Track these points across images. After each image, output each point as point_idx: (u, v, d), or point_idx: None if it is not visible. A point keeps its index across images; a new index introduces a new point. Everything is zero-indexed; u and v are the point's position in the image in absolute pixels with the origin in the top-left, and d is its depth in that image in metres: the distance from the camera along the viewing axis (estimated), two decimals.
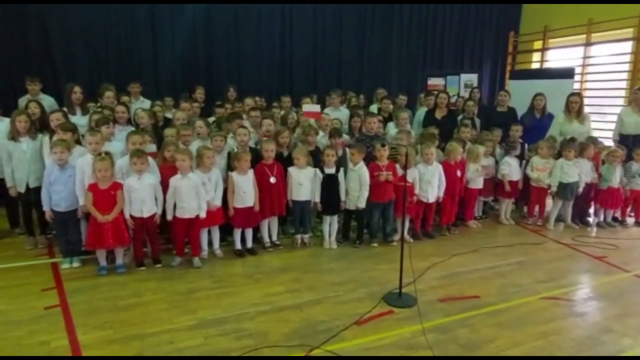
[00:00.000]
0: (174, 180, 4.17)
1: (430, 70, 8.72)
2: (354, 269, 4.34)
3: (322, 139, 5.42)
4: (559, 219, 5.88)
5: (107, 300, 3.59)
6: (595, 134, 6.57)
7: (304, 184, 4.76)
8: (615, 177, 5.76)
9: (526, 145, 6.14)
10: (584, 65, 8.47)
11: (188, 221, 4.24)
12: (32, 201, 4.54)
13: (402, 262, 3.72)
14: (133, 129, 4.85)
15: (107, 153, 4.05)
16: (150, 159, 4.28)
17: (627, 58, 7.83)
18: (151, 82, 7.06)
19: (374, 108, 7.03)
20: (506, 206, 6.00)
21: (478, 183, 5.60)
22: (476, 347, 3.05)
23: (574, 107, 6.02)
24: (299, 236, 4.94)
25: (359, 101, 7.33)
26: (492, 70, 9.71)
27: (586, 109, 6.41)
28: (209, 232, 4.57)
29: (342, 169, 4.85)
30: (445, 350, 2.98)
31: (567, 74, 7.72)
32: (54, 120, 4.61)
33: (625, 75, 7.89)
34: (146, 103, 6.14)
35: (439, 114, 6.25)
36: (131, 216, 4.10)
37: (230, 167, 4.65)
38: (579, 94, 6.28)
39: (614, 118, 6.59)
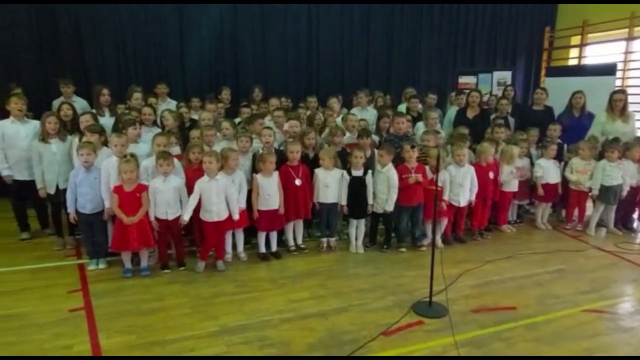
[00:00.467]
0: (201, 183, 4.10)
1: (462, 68, 8.44)
2: (381, 275, 4.18)
3: (348, 140, 5.28)
4: (601, 224, 5.54)
5: (131, 304, 3.56)
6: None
7: (330, 186, 4.63)
8: None
9: (565, 146, 5.82)
10: (626, 62, 8.00)
11: (217, 224, 4.17)
12: (62, 202, 4.57)
13: (433, 269, 3.54)
14: (159, 130, 4.84)
15: (132, 155, 4.03)
16: (176, 161, 4.25)
17: None
18: (178, 84, 7.10)
19: (402, 108, 6.83)
20: (543, 210, 5.70)
21: (513, 186, 5.34)
22: None
23: (619, 105, 5.66)
24: (325, 240, 4.81)
25: (387, 101, 7.14)
26: (526, 68, 9.30)
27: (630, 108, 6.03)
28: (233, 235, 4.50)
29: (370, 172, 4.70)
30: None
31: (608, 70, 7.29)
32: (83, 123, 4.65)
33: None
34: (173, 104, 6.14)
35: (470, 114, 6.00)
36: (156, 218, 4.07)
37: (255, 169, 4.58)
38: (623, 92, 5.90)
39: None
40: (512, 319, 3.40)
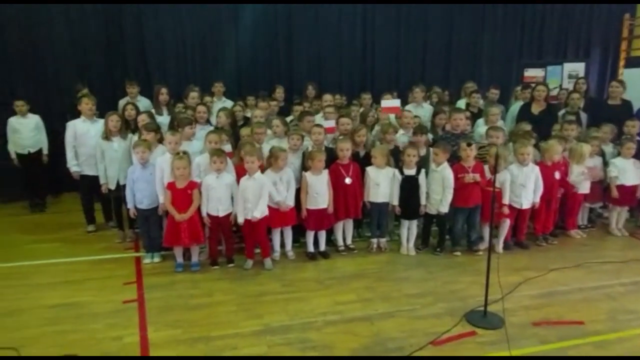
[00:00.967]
0: (243, 181, 4.12)
1: (528, 60, 7.87)
2: (433, 279, 3.98)
3: (402, 137, 5.09)
4: None
5: (180, 299, 3.64)
6: None
7: (381, 184, 4.48)
8: None
9: None
10: None
11: (253, 222, 4.13)
12: (122, 197, 4.79)
13: (489, 275, 3.30)
14: (212, 128, 4.93)
15: (184, 152, 4.12)
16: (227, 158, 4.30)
17: None
18: (234, 82, 7.20)
19: (461, 103, 6.49)
20: (618, 214, 5.17)
21: (584, 187, 4.89)
22: None
23: None
24: (375, 240, 4.67)
25: (444, 97, 6.83)
26: (601, 59, 8.51)
27: None
28: (282, 233, 4.48)
29: (423, 170, 4.49)
30: None
31: None
32: (140, 121, 4.84)
33: None
34: (228, 102, 6.25)
35: (535, 109, 5.57)
36: (208, 214, 4.14)
37: (304, 167, 4.52)
38: None
39: None
40: (579, 334, 3.10)
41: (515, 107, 6.16)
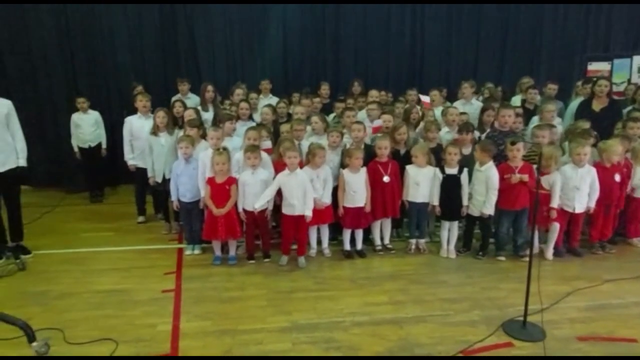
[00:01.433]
0: (281, 177, 4.13)
1: (593, 52, 7.29)
2: (471, 284, 3.80)
3: (446, 135, 4.90)
4: None
5: (214, 290, 3.73)
6: None
7: (421, 184, 4.35)
8: None
9: None
10: None
11: (297, 219, 4.18)
12: (167, 190, 5.00)
13: (530, 282, 3.09)
14: (254, 124, 5.00)
15: (224, 148, 4.22)
16: (265, 154, 4.35)
17: None
18: (281, 79, 7.28)
19: (516, 100, 6.15)
20: None
21: None
22: None
23: None
24: (413, 241, 4.55)
25: (498, 93, 6.48)
26: None
27: None
28: (318, 230, 4.46)
29: (465, 170, 4.29)
30: None
31: None
32: (187, 117, 5.00)
33: None
34: (274, 100, 6.32)
35: (596, 106, 5.15)
36: (244, 210, 4.21)
37: (343, 165, 4.48)
38: None
39: None
40: (629, 352, 2.83)
41: (575, 103, 5.73)
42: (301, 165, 4.26)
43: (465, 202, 4.30)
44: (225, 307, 3.45)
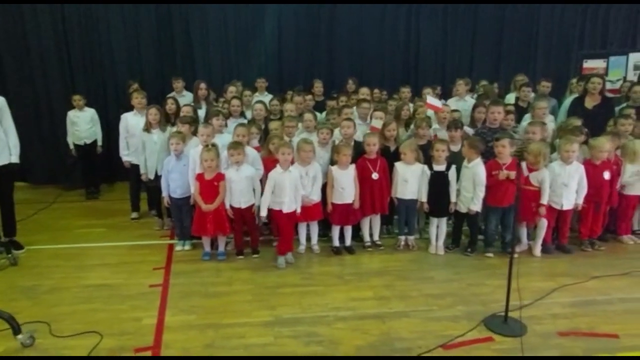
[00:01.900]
0: (274, 174, 4.14)
1: (589, 49, 7.27)
2: (457, 281, 3.81)
3: (438, 132, 4.91)
4: None
5: (201, 286, 3.76)
6: None
7: (409, 181, 4.36)
8: None
9: None
10: None
11: (288, 215, 4.18)
12: (159, 187, 5.03)
13: (510, 276, 3.07)
14: (245, 121, 5.03)
15: (213, 144, 4.24)
16: (251, 150, 4.38)
17: None
18: (276, 77, 7.30)
19: (510, 97, 6.14)
20: None
21: (638, 189, 4.45)
22: None
23: None
24: (402, 237, 4.56)
25: (493, 90, 6.46)
26: None
27: None
28: (308, 227, 4.48)
29: (453, 166, 4.30)
30: None
31: None
32: (184, 113, 5.05)
33: None
34: (269, 97, 6.33)
35: (589, 103, 5.13)
36: (231, 207, 4.24)
37: (332, 161, 4.49)
38: None
39: None
40: (609, 348, 2.83)
41: (569, 101, 5.71)
42: (292, 162, 4.28)
43: (453, 198, 4.31)
44: (211, 301, 3.48)
